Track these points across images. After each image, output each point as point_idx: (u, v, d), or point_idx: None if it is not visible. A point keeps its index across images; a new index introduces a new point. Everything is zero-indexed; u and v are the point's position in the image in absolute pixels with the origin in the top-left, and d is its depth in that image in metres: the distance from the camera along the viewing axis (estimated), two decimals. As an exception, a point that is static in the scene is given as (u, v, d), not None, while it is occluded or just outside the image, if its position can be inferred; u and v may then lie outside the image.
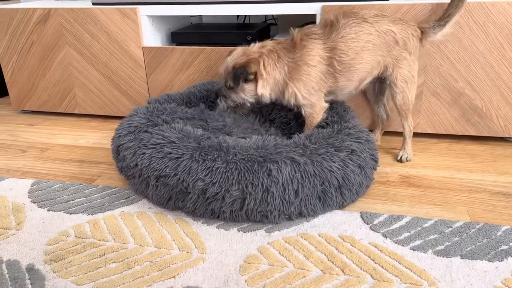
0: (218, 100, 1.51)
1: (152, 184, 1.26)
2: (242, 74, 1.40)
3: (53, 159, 1.68)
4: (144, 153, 1.28)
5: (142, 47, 1.87)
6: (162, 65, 1.88)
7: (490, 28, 1.53)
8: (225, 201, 1.17)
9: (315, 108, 1.45)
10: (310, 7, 1.67)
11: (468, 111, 1.65)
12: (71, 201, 1.34)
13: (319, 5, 1.65)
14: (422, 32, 1.47)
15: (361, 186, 1.29)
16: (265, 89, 1.42)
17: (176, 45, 1.96)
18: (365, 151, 1.31)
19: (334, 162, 1.22)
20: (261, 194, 1.16)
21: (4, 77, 2.12)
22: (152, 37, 1.92)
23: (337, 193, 1.22)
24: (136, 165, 1.29)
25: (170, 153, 1.24)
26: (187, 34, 1.96)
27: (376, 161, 1.38)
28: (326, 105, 1.47)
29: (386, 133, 1.80)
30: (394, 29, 1.42)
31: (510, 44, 1.53)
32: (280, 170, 1.17)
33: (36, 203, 1.34)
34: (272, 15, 2.12)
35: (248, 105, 1.49)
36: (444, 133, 1.71)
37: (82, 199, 1.36)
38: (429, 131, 1.72)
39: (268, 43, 1.44)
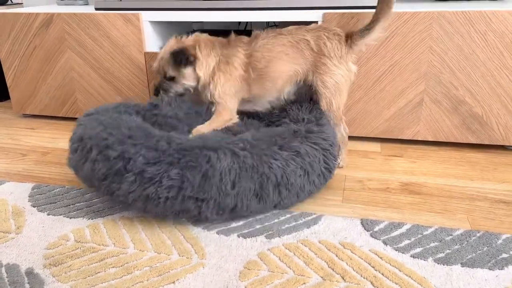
0: (160, 95, 1.54)
1: (91, 159, 1.21)
2: (182, 57, 1.45)
3: (54, 163, 1.68)
4: (100, 124, 1.28)
5: (144, 53, 1.88)
6: (164, 71, 1.88)
7: (490, 36, 1.53)
8: (162, 184, 1.14)
9: (226, 111, 1.51)
10: (311, 15, 1.68)
11: (468, 119, 1.65)
12: (71, 205, 1.34)
13: (320, 12, 1.66)
14: (348, 36, 1.48)
15: (302, 190, 1.27)
16: (203, 71, 1.49)
17: (178, 50, 1.97)
18: (313, 157, 1.28)
19: (275, 159, 1.22)
20: (198, 180, 1.14)
21: (6, 81, 2.13)
22: (154, 42, 1.93)
23: (276, 190, 1.22)
24: (82, 138, 1.27)
25: (121, 131, 1.24)
26: (189, 40, 1.96)
27: (330, 171, 1.36)
28: (236, 118, 1.54)
29: (386, 140, 1.81)
30: (308, 37, 1.47)
31: (510, 53, 1.54)
32: (219, 159, 1.17)
33: (36, 207, 1.33)
34: (274, 22, 2.13)
35: (191, 90, 1.54)
36: (445, 140, 1.71)
37: (82, 203, 1.36)
38: (430, 139, 1.72)
39: (204, 34, 1.53)
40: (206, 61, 1.49)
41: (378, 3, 1.45)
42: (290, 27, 1.52)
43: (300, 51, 1.47)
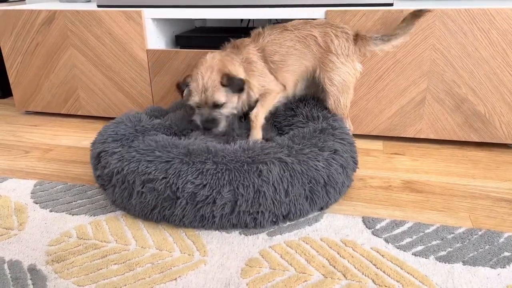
0: (212, 131, 1.44)
1: (137, 191, 1.20)
2: (240, 83, 1.40)
3: (56, 160, 1.68)
4: (133, 157, 1.24)
5: (146, 50, 1.88)
6: (166, 68, 1.88)
7: (493, 34, 1.53)
8: (216, 204, 1.15)
9: (275, 89, 1.48)
10: (314, 12, 1.67)
11: (471, 117, 1.65)
12: (73, 202, 1.35)
13: (323, 10, 1.66)
14: (359, 37, 1.49)
15: (343, 186, 1.31)
16: (254, 87, 1.46)
17: (180, 48, 1.97)
18: (347, 152, 1.33)
19: (318, 161, 1.24)
20: (252, 195, 1.15)
21: (9, 78, 2.13)
22: (156, 40, 1.93)
23: (323, 191, 1.24)
24: (122, 170, 1.23)
25: (160, 156, 1.22)
26: (191, 37, 1.97)
27: (355, 163, 1.40)
28: (283, 87, 1.50)
29: (388, 138, 1.80)
30: (315, 32, 1.46)
31: (513, 51, 1.53)
32: (270, 170, 1.17)
33: (38, 204, 1.34)
34: (276, 19, 2.13)
35: (235, 112, 1.48)
36: (447, 139, 1.71)
37: (84, 200, 1.36)
38: (432, 137, 1.72)
39: (216, 55, 1.44)
40: (250, 78, 1.45)
41: (405, 21, 1.48)
42: (295, 21, 1.51)
43: (308, 47, 1.47)
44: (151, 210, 1.20)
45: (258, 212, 1.17)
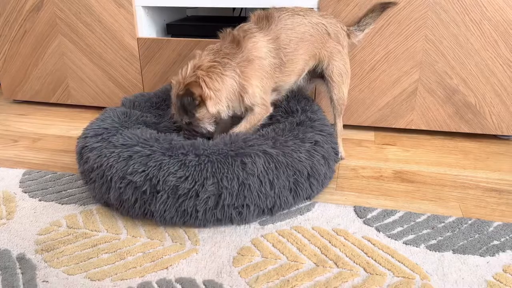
0: (187, 137, 1.38)
1: (115, 187, 1.14)
2: (189, 102, 1.27)
3: (45, 149, 1.66)
4: (112, 152, 1.18)
5: (137, 38, 1.85)
6: (157, 57, 1.86)
7: (485, 25, 1.53)
8: (199, 198, 1.10)
9: (266, 109, 1.37)
10: (307, 1, 1.66)
11: (462, 108, 1.66)
12: (63, 192, 1.33)
13: (316, -1, 1.65)
14: (349, 31, 1.53)
15: (325, 177, 1.31)
16: (219, 105, 1.30)
17: (172, 36, 1.94)
18: (327, 143, 1.33)
19: (301, 153, 1.23)
20: (237, 188, 1.12)
21: (-4, 66, 2.09)
22: (147, 28, 1.91)
23: (307, 183, 1.23)
24: (100, 166, 1.18)
25: (140, 151, 1.16)
26: (182, 26, 1.94)
27: (337, 154, 1.43)
28: (272, 109, 1.40)
29: (379, 129, 1.81)
30: (324, 22, 1.43)
31: (504, 42, 1.54)
32: (254, 163, 1.15)
33: (27, 193, 1.32)
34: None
35: (212, 129, 1.37)
36: (438, 130, 1.72)
37: (74, 189, 1.34)
38: (423, 128, 1.72)
39: (203, 60, 1.30)
40: (225, 89, 1.29)
41: (374, 11, 1.55)
42: (297, 7, 1.43)
43: (320, 35, 1.41)
44: (132, 205, 1.14)
45: (243, 206, 1.13)
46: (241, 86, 1.31)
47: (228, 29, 1.37)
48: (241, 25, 1.38)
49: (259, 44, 1.32)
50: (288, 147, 1.23)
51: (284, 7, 1.42)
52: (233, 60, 1.30)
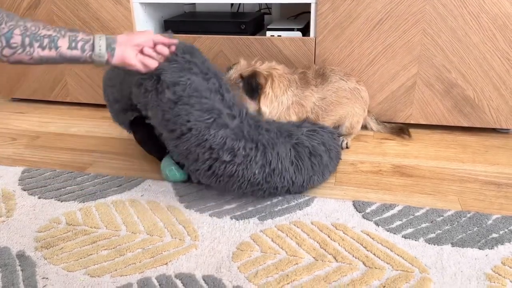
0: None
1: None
2: (257, 86, 1.40)
3: (44, 147, 1.66)
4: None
5: (135, 35, 1.84)
6: (155, 53, 1.85)
7: (484, 19, 1.53)
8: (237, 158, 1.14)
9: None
10: (304, -4, 1.65)
11: (460, 102, 1.66)
12: (62, 189, 1.33)
13: (313, -6, 1.64)
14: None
15: (327, 167, 1.32)
16: (266, 107, 1.43)
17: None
18: (326, 133, 1.36)
19: (302, 134, 1.31)
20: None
21: (-6, 64, 2.09)
22: (144, 25, 1.90)
23: (309, 160, 1.27)
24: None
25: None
26: (180, 22, 1.94)
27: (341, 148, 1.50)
28: None
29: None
30: (359, 87, 1.59)
31: (503, 35, 1.53)
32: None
33: (26, 191, 1.32)
34: (266, 4, 2.10)
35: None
36: (437, 124, 1.72)
37: (73, 186, 1.35)
38: (422, 122, 1.72)
39: (282, 68, 1.47)
40: (278, 99, 1.44)
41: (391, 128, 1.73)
42: (340, 71, 1.59)
43: (351, 100, 1.58)
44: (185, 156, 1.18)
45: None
46: (287, 113, 1.47)
47: (313, 65, 1.61)
48: (313, 68, 1.58)
49: (309, 98, 1.51)
50: (287, 131, 1.31)
51: (333, 69, 1.59)
52: (295, 90, 1.47)
